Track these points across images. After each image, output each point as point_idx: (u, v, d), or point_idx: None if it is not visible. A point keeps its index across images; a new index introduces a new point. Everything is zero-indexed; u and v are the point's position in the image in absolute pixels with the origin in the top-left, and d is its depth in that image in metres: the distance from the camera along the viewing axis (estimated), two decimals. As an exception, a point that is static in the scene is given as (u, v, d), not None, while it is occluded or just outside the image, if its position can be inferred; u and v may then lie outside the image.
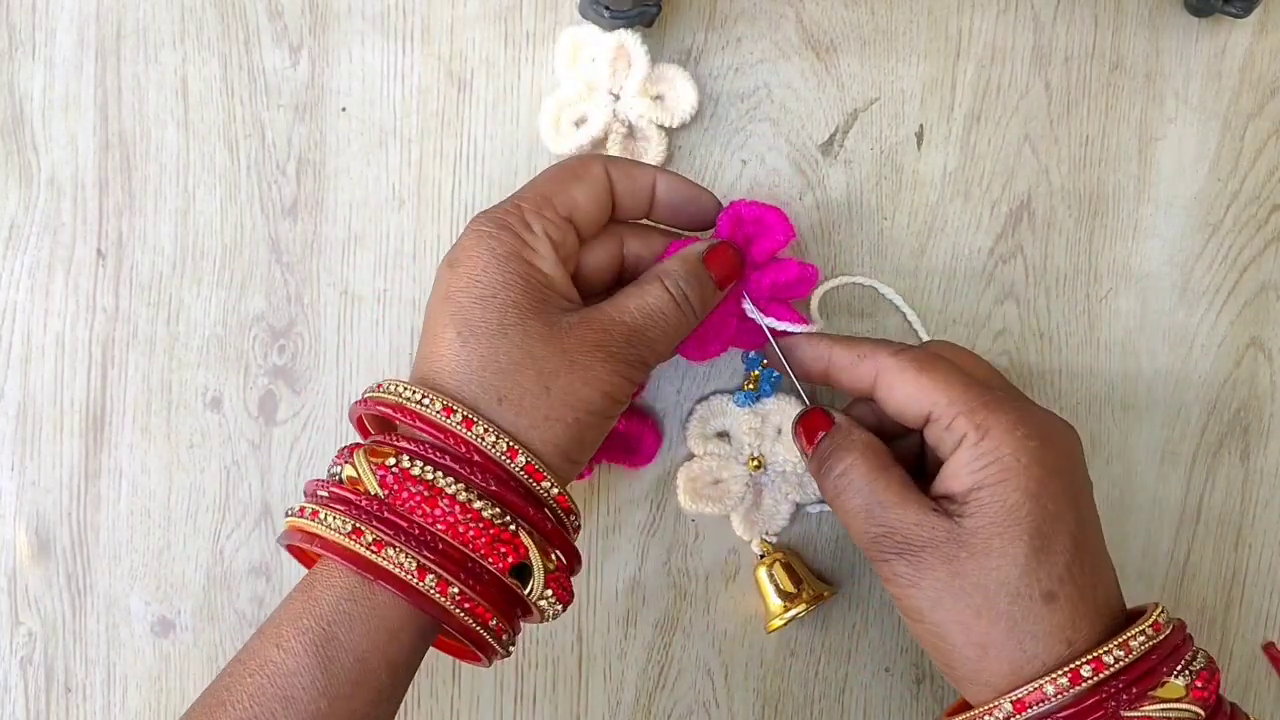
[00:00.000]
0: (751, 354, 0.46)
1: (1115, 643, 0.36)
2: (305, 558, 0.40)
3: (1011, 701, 0.37)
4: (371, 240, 0.47)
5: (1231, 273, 0.48)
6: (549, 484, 0.37)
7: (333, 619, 0.35)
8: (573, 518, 0.38)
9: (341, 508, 0.36)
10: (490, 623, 0.36)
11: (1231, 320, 0.48)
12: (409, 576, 0.35)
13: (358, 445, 0.37)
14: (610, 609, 0.48)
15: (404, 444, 0.36)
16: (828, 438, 0.41)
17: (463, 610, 0.35)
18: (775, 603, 0.46)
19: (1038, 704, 0.36)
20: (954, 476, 0.38)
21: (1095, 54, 0.47)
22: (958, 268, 0.48)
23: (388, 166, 0.47)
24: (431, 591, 0.35)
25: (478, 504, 0.36)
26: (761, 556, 0.47)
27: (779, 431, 0.46)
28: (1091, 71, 0.47)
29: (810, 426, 0.42)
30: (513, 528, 0.36)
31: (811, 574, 0.47)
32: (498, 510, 0.36)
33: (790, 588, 0.46)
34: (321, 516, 0.36)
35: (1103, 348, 0.48)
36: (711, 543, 0.48)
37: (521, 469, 0.36)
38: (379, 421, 0.40)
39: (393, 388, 0.37)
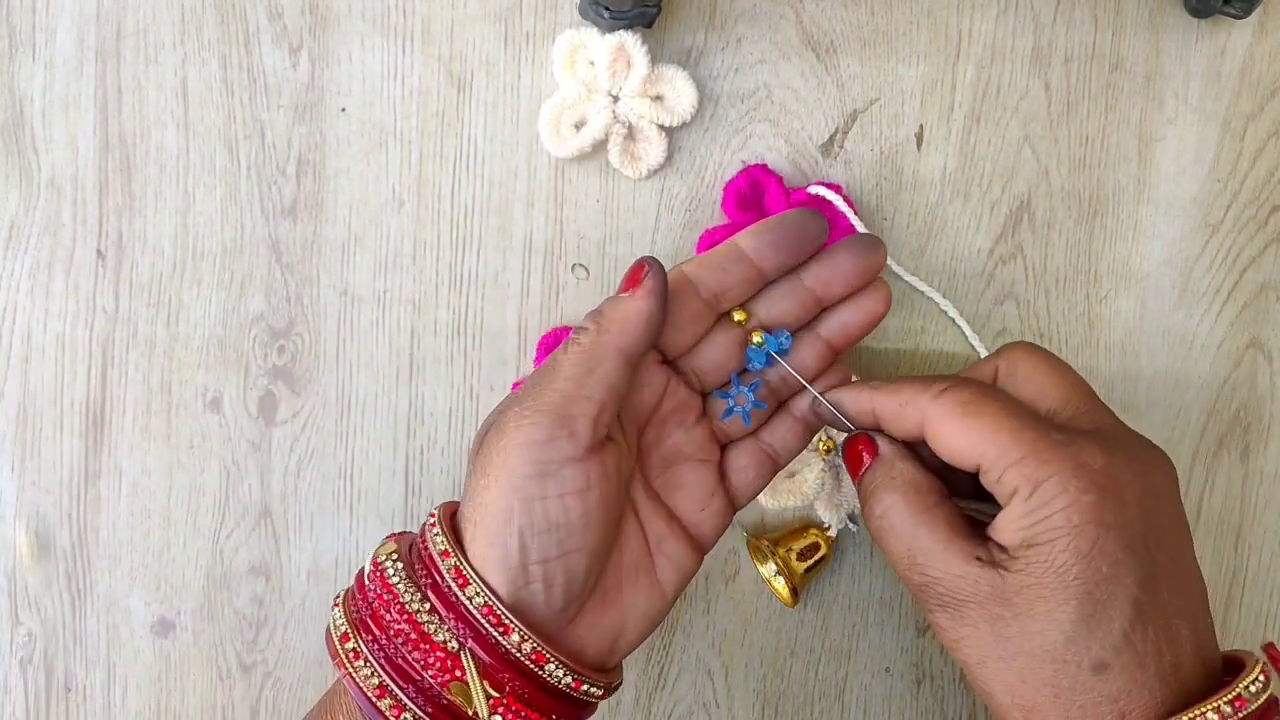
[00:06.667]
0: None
1: None
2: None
3: None
4: (371, 241, 0.47)
5: (1231, 273, 0.48)
6: (473, 590, 0.36)
7: None
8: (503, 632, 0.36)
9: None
10: None
11: (1231, 321, 0.48)
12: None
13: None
14: (610, 609, 0.48)
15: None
16: (870, 471, 0.38)
17: None
18: (795, 566, 0.47)
19: None
20: (1004, 530, 0.35)
21: (1095, 55, 0.47)
22: (958, 268, 0.48)
23: (387, 167, 0.47)
24: None
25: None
26: (825, 528, 0.48)
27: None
28: (1091, 72, 0.47)
29: (855, 454, 0.39)
30: (452, 645, 0.35)
31: (803, 580, 0.47)
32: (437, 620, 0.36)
33: (795, 572, 0.47)
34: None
35: (1102, 348, 0.48)
36: (711, 543, 0.48)
37: (450, 570, 0.36)
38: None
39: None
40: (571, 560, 0.36)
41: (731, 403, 0.40)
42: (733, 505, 0.41)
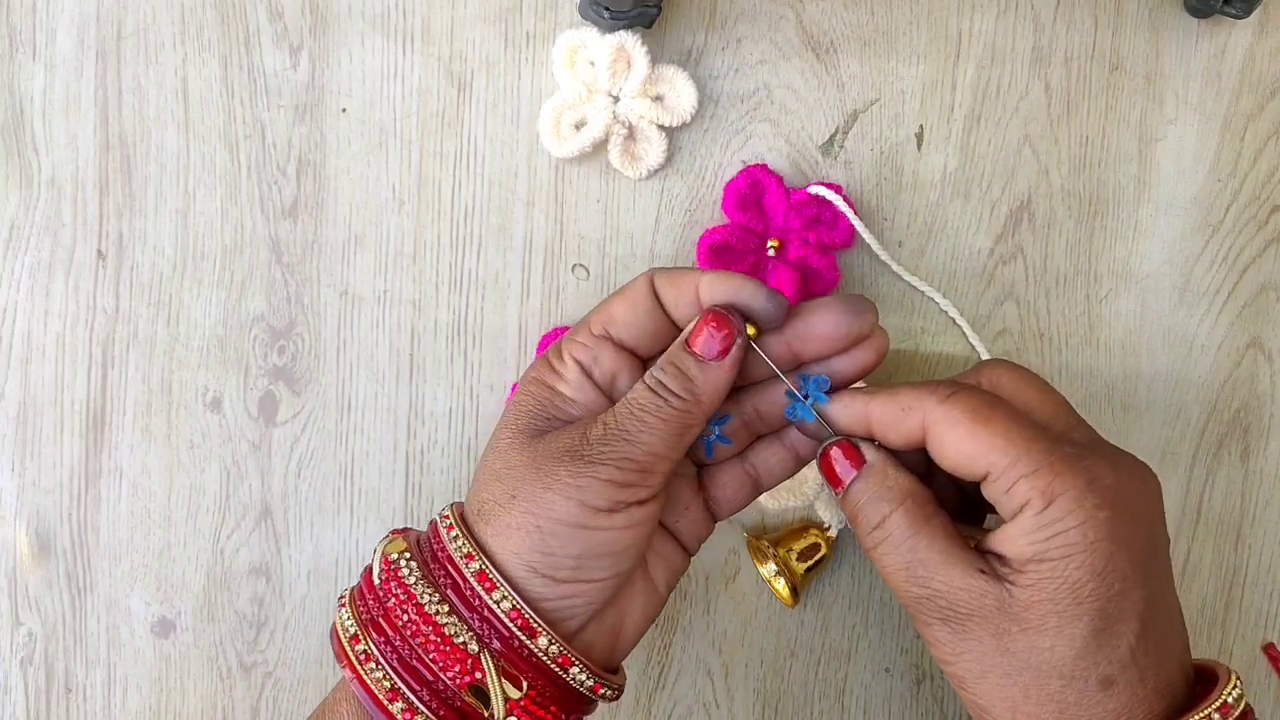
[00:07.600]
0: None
1: None
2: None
3: None
4: (371, 241, 0.47)
5: (1231, 273, 0.48)
6: (499, 595, 0.36)
7: None
8: (540, 641, 0.36)
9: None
10: None
11: (1231, 321, 0.48)
12: None
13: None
14: (610, 609, 0.48)
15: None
16: (860, 481, 0.37)
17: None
18: (796, 565, 0.47)
19: None
20: (1011, 542, 0.34)
21: (1095, 55, 0.47)
22: (958, 268, 0.48)
23: (388, 167, 0.47)
24: None
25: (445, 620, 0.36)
26: (825, 528, 0.47)
27: None
28: (1091, 72, 0.47)
29: (837, 464, 0.38)
30: (473, 646, 0.35)
31: (803, 580, 0.47)
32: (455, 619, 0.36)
33: (795, 572, 0.46)
34: None
35: (1102, 348, 0.48)
36: (711, 543, 0.48)
37: (474, 574, 0.36)
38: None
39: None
40: (608, 585, 0.37)
41: None
42: (712, 516, 0.41)
